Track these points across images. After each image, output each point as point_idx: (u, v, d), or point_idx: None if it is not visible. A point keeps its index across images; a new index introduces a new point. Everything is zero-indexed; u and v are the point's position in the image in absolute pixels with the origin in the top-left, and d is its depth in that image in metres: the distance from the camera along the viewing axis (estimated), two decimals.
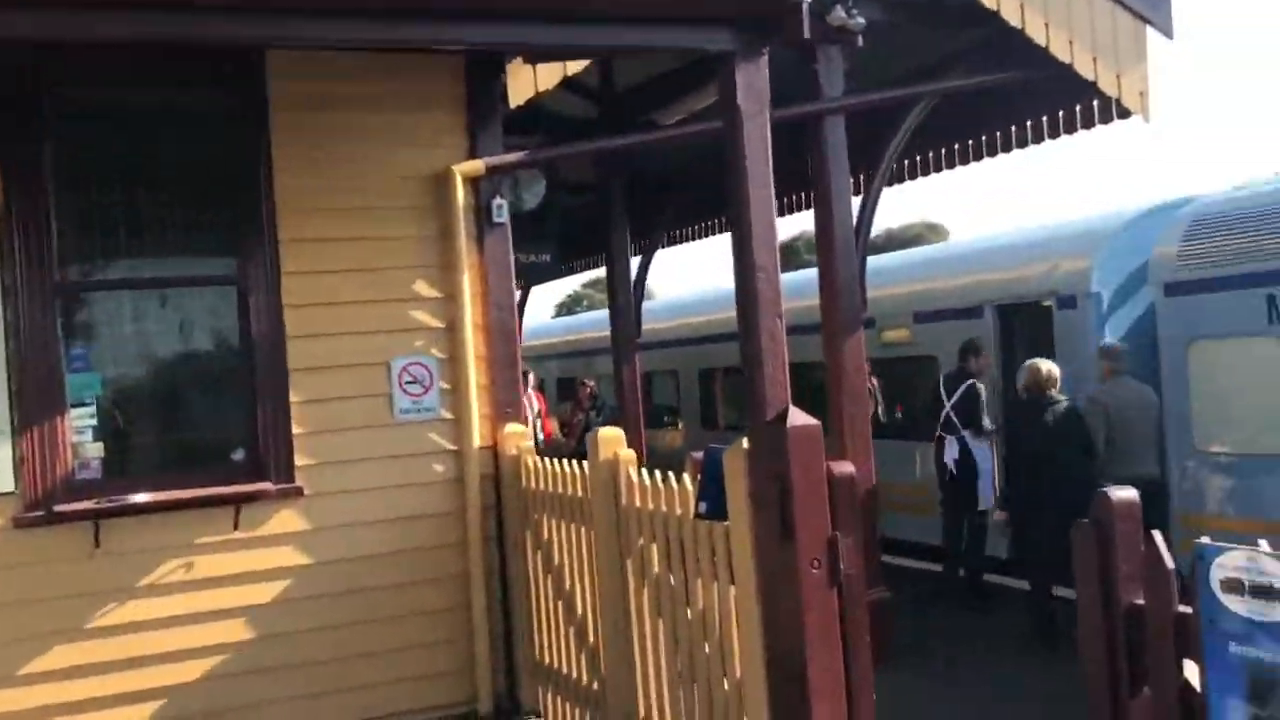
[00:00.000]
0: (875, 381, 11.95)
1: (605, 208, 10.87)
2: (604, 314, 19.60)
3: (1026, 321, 10.90)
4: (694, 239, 13.77)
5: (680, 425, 16.52)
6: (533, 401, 14.84)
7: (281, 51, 6.00)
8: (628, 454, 5.12)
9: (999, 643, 8.38)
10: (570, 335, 21.02)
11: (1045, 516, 7.86)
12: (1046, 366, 8.41)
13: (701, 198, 12.37)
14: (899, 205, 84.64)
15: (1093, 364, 9.59)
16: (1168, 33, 7.73)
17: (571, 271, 16.56)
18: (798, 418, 3.86)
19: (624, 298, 10.96)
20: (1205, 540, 2.49)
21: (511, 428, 6.41)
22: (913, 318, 11.81)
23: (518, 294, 15.19)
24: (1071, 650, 3.23)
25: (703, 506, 4.23)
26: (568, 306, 48.51)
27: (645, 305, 19.96)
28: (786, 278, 14.38)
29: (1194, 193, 9.66)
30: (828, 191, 7.53)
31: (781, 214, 11.91)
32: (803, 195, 11.45)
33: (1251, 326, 8.38)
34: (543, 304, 60.94)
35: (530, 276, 12.47)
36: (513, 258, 7.17)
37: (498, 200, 6.50)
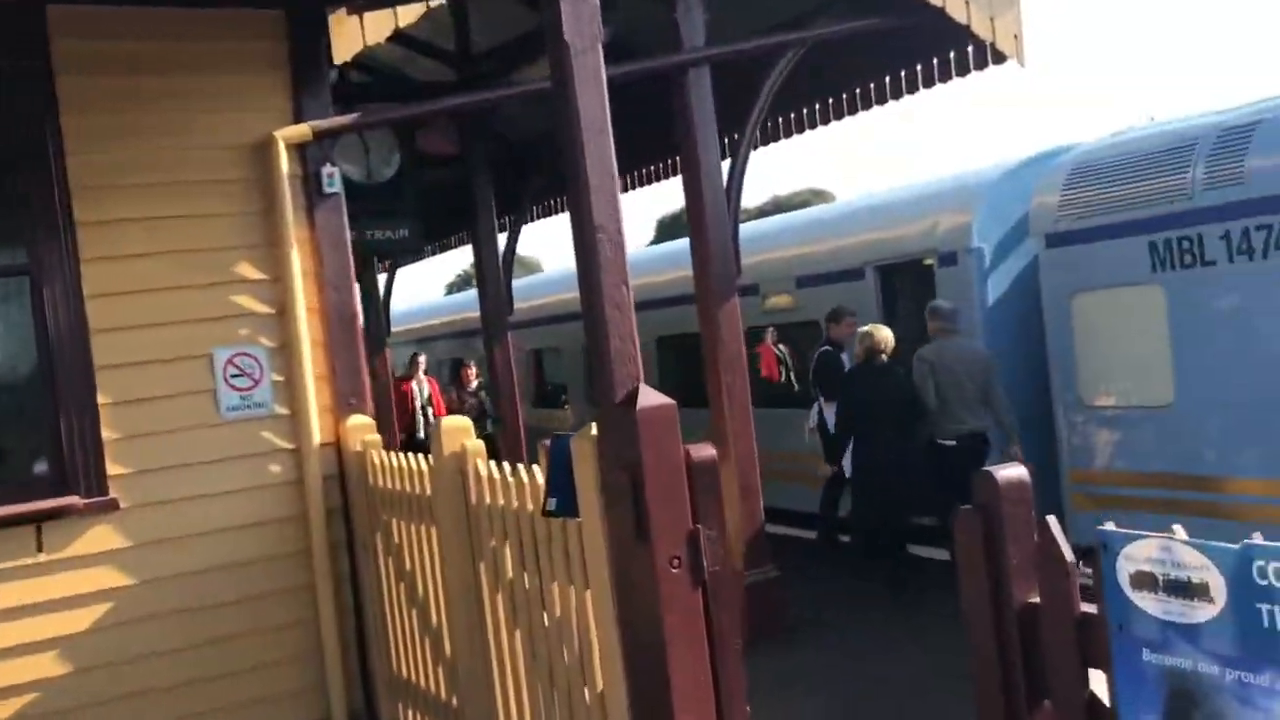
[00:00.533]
0: (784, 348, 11.58)
1: (468, 179, 10.24)
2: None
3: (909, 281, 10.64)
4: (566, 209, 13.23)
5: (569, 404, 16.00)
6: (423, 387, 14.18)
7: (65, 5, 5.28)
8: (475, 445, 4.58)
9: (894, 609, 8.09)
10: (454, 315, 20.30)
11: (880, 478, 8.30)
12: (881, 333, 8.52)
13: None
14: (786, 173, 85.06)
15: (979, 322, 9.36)
16: None
17: (444, 248, 15.85)
18: (649, 398, 3.37)
19: (492, 273, 10.36)
20: (1110, 526, 2.07)
21: (355, 420, 5.81)
22: (795, 282, 11.47)
23: (383, 275, 14.45)
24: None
25: (552, 503, 3.73)
26: (459, 285, 47.35)
27: (531, 279, 19.28)
28: (671, 247, 13.95)
29: (1075, 141, 9.46)
30: (695, 150, 7.06)
31: (650, 181, 11.45)
32: (677, 160, 10.98)
33: (1134, 275, 8.19)
34: (434, 283, 59.76)
35: (390, 254, 11.76)
36: (350, 232, 6.59)
37: (328, 168, 5.87)
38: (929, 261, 10.00)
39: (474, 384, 14.75)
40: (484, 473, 4.44)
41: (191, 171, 5.65)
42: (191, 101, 5.64)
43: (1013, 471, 2.29)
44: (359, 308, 5.96)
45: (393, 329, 20.65)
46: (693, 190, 7.24)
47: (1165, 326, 7.99)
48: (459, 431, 4.64)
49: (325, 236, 5.87)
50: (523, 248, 12.17)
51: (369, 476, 5.62)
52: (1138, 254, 8.13)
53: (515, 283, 19.10)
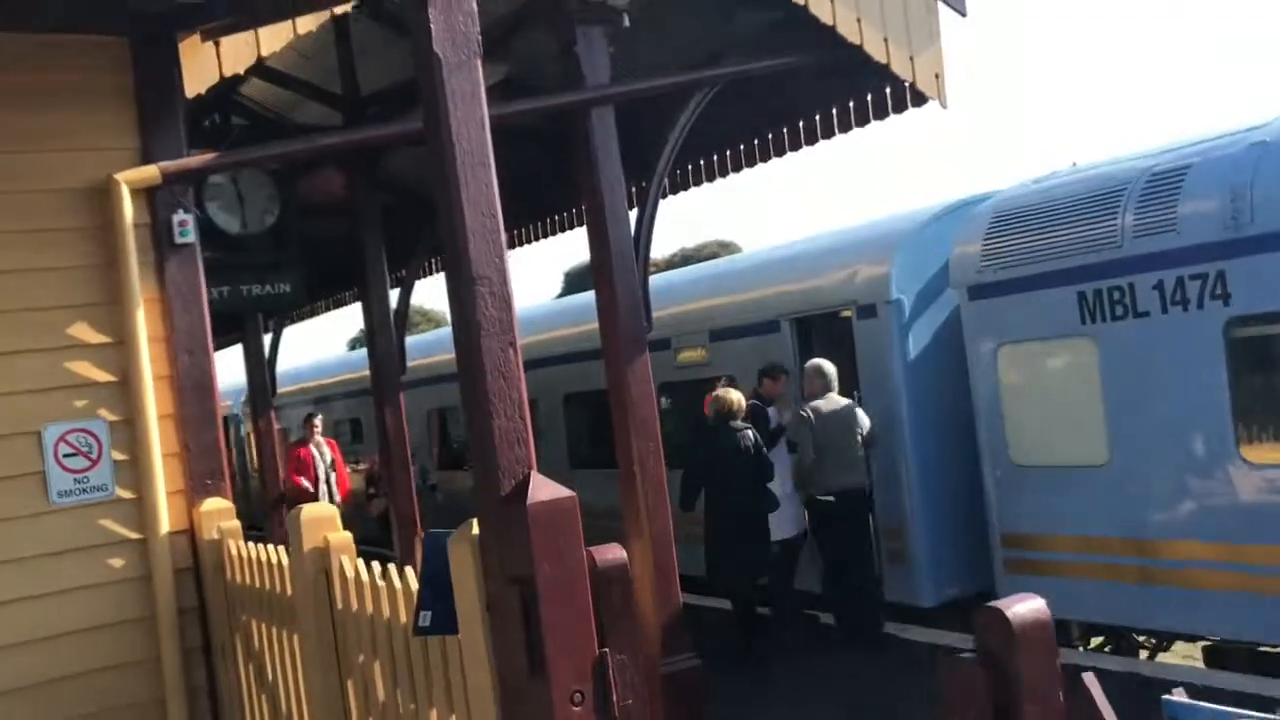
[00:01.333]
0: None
1: (357, 231, 9.50)
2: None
3: (826, 334, 10.18)
4: None
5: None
6: (323, 451, 12.71)
7: None
8: (340, 539, 3.86)
9: (828, 692, 7.47)
10: (355, 372, 19.28)
11: (729, 540, 8.17)
12: (732, 396, 8.47)
13: None
14: (691, 226, 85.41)
15: (900, 377, 8.90)
16: (961, 10, 7.04)
17: (337, 304, 15.00)
18: (543, 490, 2.72)
19: (384, 330, 9.60)
20: (1178, 696, 1.47)
21: (211, 504, 5.04)
22: (708, 335, 10.93)
23: (268, 335, 13.45)
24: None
25: (424, 617, 3.03)
26: (362, 341, 46.05)
27: (441, 332, 18.35)
28: (581, 297, 13.36)
29: (993, 189, 9.12)
30: (599, 194, 6.47)
31: (557, 230, 10.88)
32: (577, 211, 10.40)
33: (1063, 327, 7.79)
34: (336, 339, 58.39)
35: (272, 311, 10.91)
36: (224, 288, 5.90)
37: (180, 216, 5.13)
38: (847, 313, 9.54)
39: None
40: (350, 573, 3.73)
41: (18, 220, 4.87)
42: (18, 140, 4.87)
43: (1030, 607, 1.68)
44: (216, 375, 5.20)
45: (286, 388, 19.58)
46: (598, 238, 6.64)
47: (1097, 381, 7.60)
48: (321, 521, 3.91)
49: (177, 294, 5.12)
50: (428, 301, 11.46)
51: (226, 570, 4.85)
52: (1066, 305, 7.75)
53: (421, 337, 18.36)
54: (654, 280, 8.14)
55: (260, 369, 12.27)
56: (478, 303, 2.78)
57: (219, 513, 5.03)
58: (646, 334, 6.53)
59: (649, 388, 6.47)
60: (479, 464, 2.81)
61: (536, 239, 11.24)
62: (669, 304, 11.37)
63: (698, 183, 9.43)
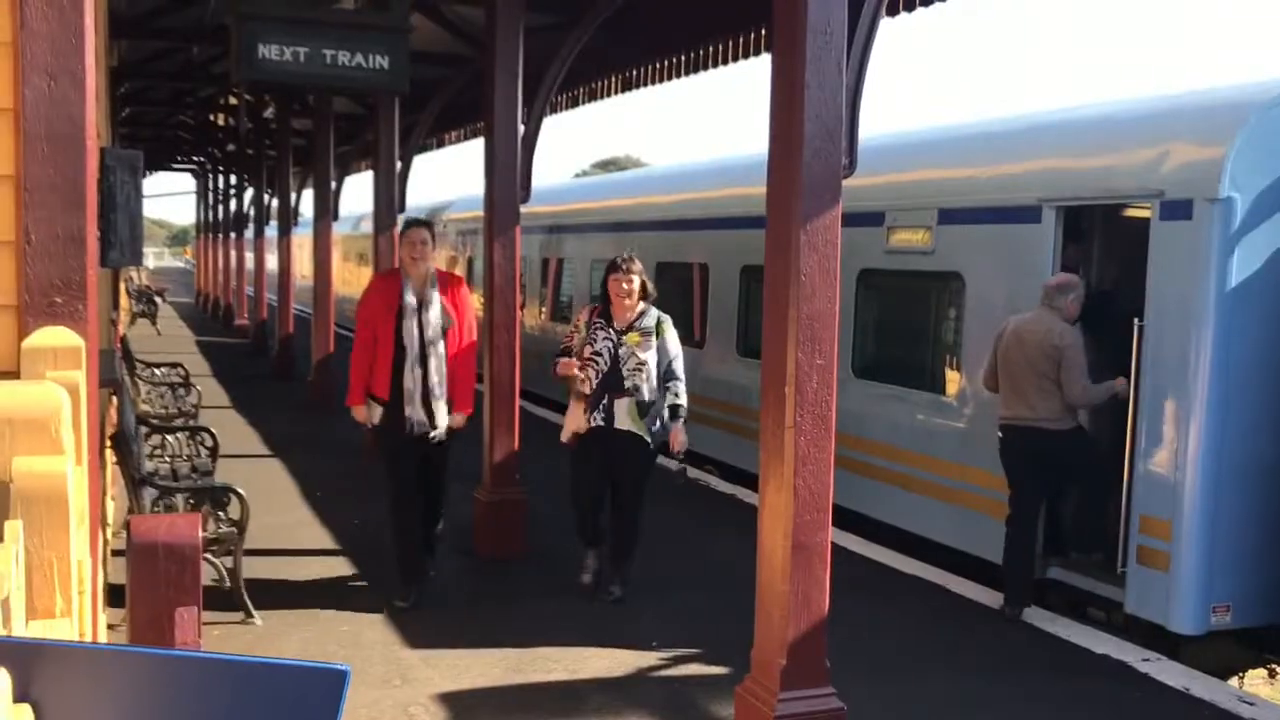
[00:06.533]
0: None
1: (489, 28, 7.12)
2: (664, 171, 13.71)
3: (1105, 232, 7.43)
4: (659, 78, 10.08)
5: (708, 344, 11.94)
6: (428, 295, 6.16)
7: None
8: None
9: None
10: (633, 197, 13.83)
11: None
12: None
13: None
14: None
15: (1210, 309, 6.14)
16: None
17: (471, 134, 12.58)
18: None
19: (506, 158, 7.26)
20: None
21: (46, 337, 2.97)
22: (937, 215, 8.27)
23: (408, 161, 10.84)
24: None
25: None
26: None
27: (679, 167, 14.65)
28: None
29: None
30: None
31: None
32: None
33: None
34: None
35: (359, 93, 8.68)
36: (301, 48, 3.96)
37: None
38: (1143, 209, 6.75)
39: (636, 311, 6.46)
40: None
41: None
42: None
43: None
44: (93, 117, 3.06)
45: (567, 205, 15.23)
46: (789, 23, 4.13)
47: None
48: None
49: None
50: (620, 145, 9.17)
51: None
52: None
53: (639, 173, 14.97)
54: (865, 137, 5.57)
55: (390, 180, 10.39)
56: None
57: (57, 353, 2.95)
58: (844, 174, 4.03)
59: (832, 264, 4.01)
60: None
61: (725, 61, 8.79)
62: (884, 169, 8.73)
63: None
